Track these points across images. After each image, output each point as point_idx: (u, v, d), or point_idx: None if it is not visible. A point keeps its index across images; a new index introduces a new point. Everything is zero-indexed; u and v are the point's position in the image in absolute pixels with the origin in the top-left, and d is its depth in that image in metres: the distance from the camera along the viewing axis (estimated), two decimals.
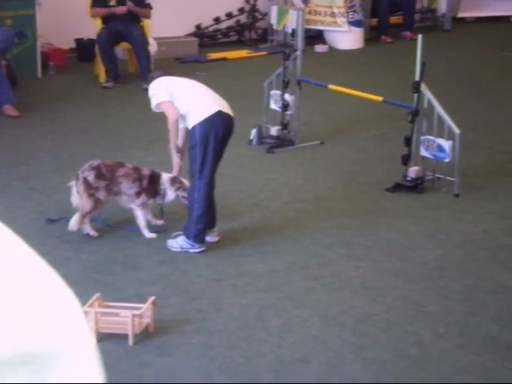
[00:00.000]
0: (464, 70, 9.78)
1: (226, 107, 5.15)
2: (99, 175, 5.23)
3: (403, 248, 5.28)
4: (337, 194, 6.17)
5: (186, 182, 5.34)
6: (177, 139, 5.21)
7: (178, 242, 5.14)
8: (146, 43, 8.80)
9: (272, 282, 4.82)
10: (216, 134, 5.02)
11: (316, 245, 5.30)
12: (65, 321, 4.32)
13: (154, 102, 5.16)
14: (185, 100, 5.09)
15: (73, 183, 5.30)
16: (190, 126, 5.07)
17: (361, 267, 5.01)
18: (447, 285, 4.80)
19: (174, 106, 5.07)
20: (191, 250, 5.11)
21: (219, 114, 5.04)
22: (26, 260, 4.99)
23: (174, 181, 5.36)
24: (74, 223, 5.25)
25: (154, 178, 5.36)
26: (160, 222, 5.46)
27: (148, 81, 5.39)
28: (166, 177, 5.38)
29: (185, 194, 5.31)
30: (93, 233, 5.29)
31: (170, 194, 5.37)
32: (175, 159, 5.31)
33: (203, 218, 5.09)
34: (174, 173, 5.35)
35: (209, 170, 5.05)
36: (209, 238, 5.26)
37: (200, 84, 5.27)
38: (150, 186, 5.34)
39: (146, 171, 5.38)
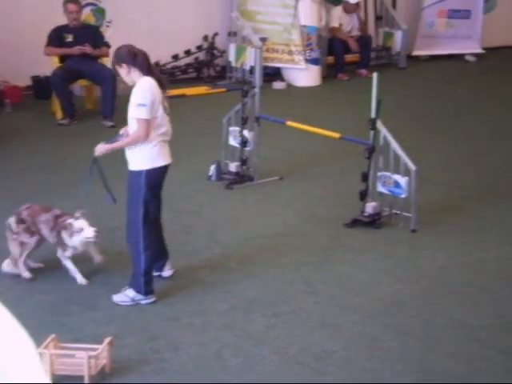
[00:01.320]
0: (419, 106, 9.95)
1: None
2: (19, 220, 5.26)
3: (361, 283, 5.30)
4: (296, 229, 6.19)
5: (78, 223, 5.13)
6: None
7: (129, 295, 4.95)
8: (114, 81, 8.62)
9: (231, 319, 4.79)
10: (160, 185, 4.97)
11: (275, 281, 5.30)
12: (19, 363, 4.22)
13: (134, 114, 4.82)
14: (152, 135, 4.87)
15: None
16: (136, 167, 4.88)
17: (319, 303, 5.01)
18: (405, 320, 4.82)
19: (149, 127, 4.78)
20: (143, 302, 4.95)
21: (167, 167, 4.95)
22: None
23: (65, 228, 5.16)
24: (5, 265, 5.33)
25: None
26: (99, 259, 5.35)
27: (114, 59, 4.97)
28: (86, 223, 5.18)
29: (83, 236, 5.15)
30: (25, 274, 5.25)
31: (75, 243, 5.18)
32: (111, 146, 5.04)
33: (150, 269, 4.99)
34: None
35: (152, 217, 4.95)
36: (164, 273, 5.20)
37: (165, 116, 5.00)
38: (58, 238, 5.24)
39: (67, 219, 5.18)
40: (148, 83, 4.84)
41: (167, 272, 5.24)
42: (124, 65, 4.89)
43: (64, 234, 5.17)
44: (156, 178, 4.91)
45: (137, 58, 4.87)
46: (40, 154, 7.83)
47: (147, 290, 4.96)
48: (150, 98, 4.79)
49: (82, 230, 5.12)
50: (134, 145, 4.87)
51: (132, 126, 4.90)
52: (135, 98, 4.84)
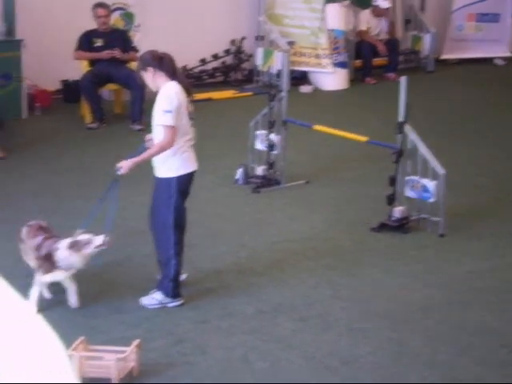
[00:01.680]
0: (447, 110, 9.88)
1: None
2: (19, 239, 5.12)
3: (389, 288, 5.27)
4: (322, 233, 6.17)
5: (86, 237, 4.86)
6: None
7: (157, 298, 4.97)
8: (143, 86, 8.61)
9: (258, 323, 4.79)
10: (188, 191, 4.96)
11: (302, 285, 5.29)
12: (49, 365, 4.26)
13: (160, 121, 4.77)
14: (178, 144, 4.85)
15: None
16: (164, 174, 4.89)
17: (346, 308, 4.99)
18: (432, 326, 4.79)
19: (175, 133, 4.74)
20: (171, 305, 4.97)
21: (194, 173, 4.96)
22: (10, 304, 4.94)
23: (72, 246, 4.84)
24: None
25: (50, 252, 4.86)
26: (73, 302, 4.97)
27: (139, 64, 4.94)
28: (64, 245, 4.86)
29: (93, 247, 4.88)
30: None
31: (71, 260, 4.85)
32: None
33: (179, 275, 5.01)
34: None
35: (182, 223, 4.95)
36: (180, 277, 5.14)
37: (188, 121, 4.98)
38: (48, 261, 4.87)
39: (50, 244, 4.86)
40: (173, 89, 4.79)
41: (182, 276, 5.17)
42: (150, 68, 4.83)
43: (61, 253, 4.82)
44: (185, 184, 4.91)
45: (163, 62, 4.83)
46: (68, 157, 7.90)
47: (175, 294, 4.98)
48: (176, 104, 4.75)
49: (90, 241, 4.85)
50: (160, 153, 4.81)
51: (157, 134, 4.85)
52: (160, 105, 4.78)
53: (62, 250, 4.83)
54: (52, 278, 4.92)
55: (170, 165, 4.86)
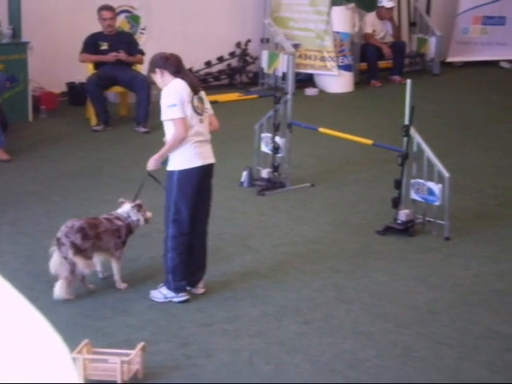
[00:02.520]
0: (453, 113, 9.87)
1: (211, 152, 5.08)
2: (85, 236, 5.04)
3: (394, 292, 5.26)
4: (327, 236, 6.16)
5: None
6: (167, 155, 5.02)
7: (162, 292, 5.05)
8: (148, 88, 8.70)
9: (263, 326, 4.78)
10: (197, 186, 4.97)
11: (307, 288, 5.28)
12: (53, 367, 4.26)
13: (167, 116, 4.88)
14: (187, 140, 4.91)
15: (54, 249, 5.04)
16: (170, 167, 4.97)
17: (352, 311, 4.98)
18: (438, 329, 4.77)
19: (185, 124, 4.85)
20: (175, 300, 5.01)
21: (207, 167, 4.99)
22: (14, 305, 4.94)
23: (139, 208, 5.31)
24: (59, 291, 4.99)
25: (130, 226, 5.29)
26: (123, 286, 5.24)
27: (149, 67, 5.05)
28: (128, 207, 5.30)
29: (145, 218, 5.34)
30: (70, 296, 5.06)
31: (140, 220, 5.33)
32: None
33: (178, 268, 5.01)
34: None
35: (186, 218, 4.97)
36: (197, 291, 5.14)
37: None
38: (128, 236, 5.28)
39: (119, 221, 5.24)
40: (175, 84, 4.92)
41: (200, 290, 5.16)
42: (157, 69, 4.98)
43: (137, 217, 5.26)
44: (188, 178, 4.93)
45: (168, 61, 4.98)
46: (74, 159, 7.91)
47: (176, 287, 5.01)
48: (178, 98, 4.86)
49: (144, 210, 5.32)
50: (177, 146, 4.90)
51: (168, 129, 4.97)
52: (164, 101, 4.91)
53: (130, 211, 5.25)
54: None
55: (175, 158, 4.96)
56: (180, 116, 4.84)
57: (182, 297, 5.04)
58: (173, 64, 4.97)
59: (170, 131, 4.94)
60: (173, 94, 4.88)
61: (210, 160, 5.05)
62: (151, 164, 5.06)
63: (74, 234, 5.00)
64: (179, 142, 4.88)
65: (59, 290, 5.00)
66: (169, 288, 5.04)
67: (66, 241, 4.99)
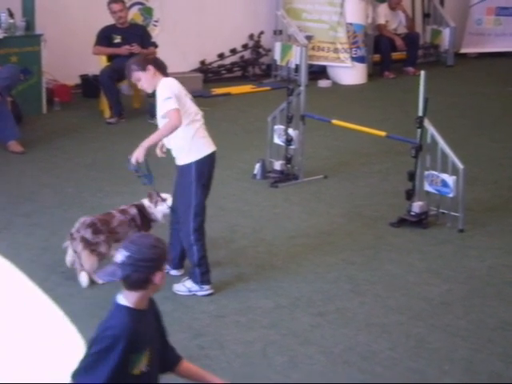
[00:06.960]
0: (467, 105, 9.82)
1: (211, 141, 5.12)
2: (96, 231, 5.17)
3: (408, 284, 5.25)
4: (341, 228, 6.16)
5: (163, 195, 5.35)
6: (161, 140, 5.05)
7: (186, 285, 5.09)
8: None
9: (276, 318, 4.79)
10: (209, 173, 5.03)
11: (320, 280, 5.28)
12: (68, 358, 4.28)
13: (164, 108, 4.86)
14: (187, 130, 4.95)
15: (68, 243, 5.21)
16: (184, 161, 4.99)
17: (365, 303, 4.98)
18: (452, 321, 4.76)
19: (180, 115, 4.83)
20: (199, 293, 5.05)
21: (214, 154, 5.04)
22: (30, 296, 4.97)
23: (151, 198, 5.38)
24: (85, 280, 5.15)
25: (142, 211, 5.39)
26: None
27: (136, 67, 5.05)
28: (147, 202, 5.40)
29: (166, 206, 5.32)
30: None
31: (158, 215, 5.38)
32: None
33: (204, 259, 5.06)
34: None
35: (203, 208, 5.02)
36: (175, 272, 5.25)
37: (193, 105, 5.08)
38: (143, 221, 5.36)
39: (132, 209, 5.36)
40: (168, 81, 5.00)
41: (178, 271, 5.29)
42: (150, 67, 5.00)
43: (156, 212, 5.33)
44: (204, 166, 4.98)
45: (158, 61, 5.15)
46: (88, 152, 7.93)
47: (203, 280, 5.04)
48: (174, 91, 4.90)
49: (166, 199, 5.32)
50: (168, 135, 4.90)
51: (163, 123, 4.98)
52: (160, 95, 4.93)
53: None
54: None
55: (186, 152, 4.96)
56: (175, 107, 4.83)
57: (207, 290, 5.06)
58: (162, 66, 5.12)
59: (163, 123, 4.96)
60: (168, 88, 4.92)
61: (214, 147, 5.10)
62: (139, 153, 4.83)
63: (85, 228, 5.17)
64: (173, 130, 4.85)
65: (83, 279, 5.15)
66: (195, 281, 5.05)
67: (77, 235, 5.17)
